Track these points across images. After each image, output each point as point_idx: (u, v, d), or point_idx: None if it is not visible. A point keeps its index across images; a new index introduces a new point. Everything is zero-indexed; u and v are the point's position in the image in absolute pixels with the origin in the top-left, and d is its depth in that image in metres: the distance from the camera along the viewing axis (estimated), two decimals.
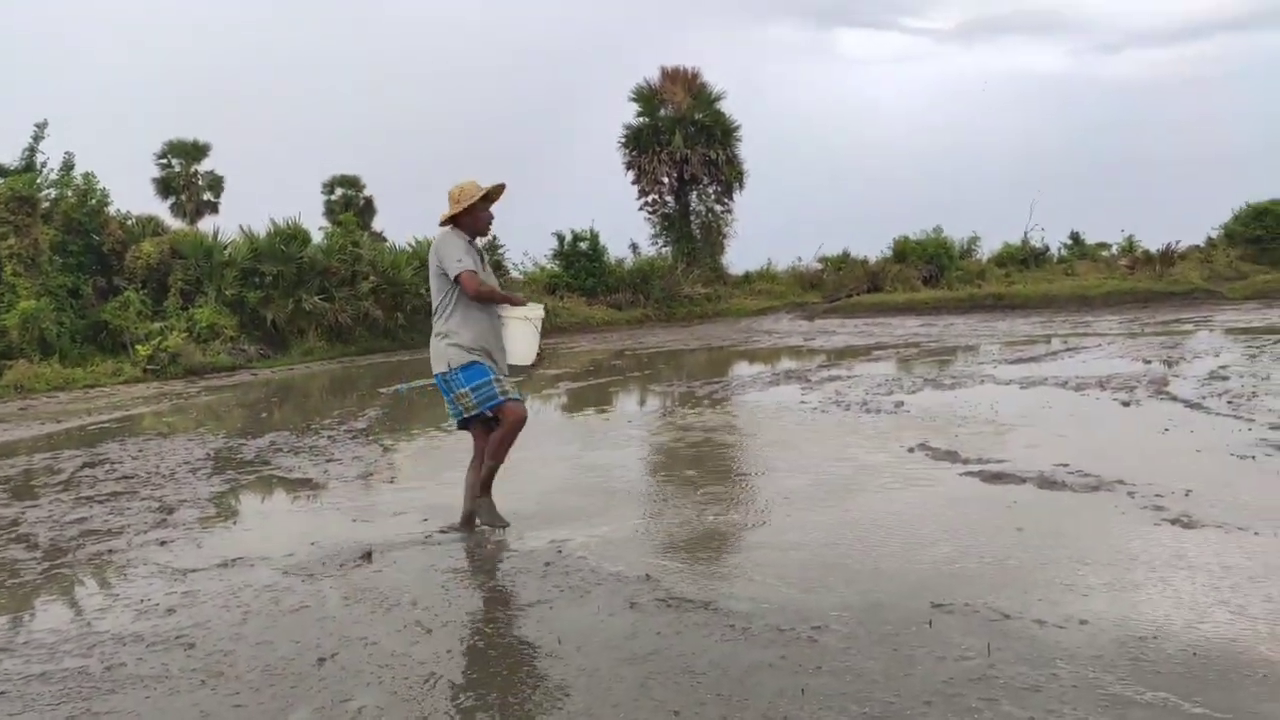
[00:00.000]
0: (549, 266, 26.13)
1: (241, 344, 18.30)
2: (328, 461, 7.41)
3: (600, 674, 3.12)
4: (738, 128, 28.48)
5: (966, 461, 5.95)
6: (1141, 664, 2.95)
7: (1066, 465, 5.63)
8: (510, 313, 4.81)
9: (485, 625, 3.67)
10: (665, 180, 28.30)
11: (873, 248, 29.16)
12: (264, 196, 37.53)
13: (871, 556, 4.22)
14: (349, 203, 34.62)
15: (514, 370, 4.93)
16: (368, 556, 4.58)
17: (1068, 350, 12.72)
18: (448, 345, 4.70)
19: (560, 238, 26.05)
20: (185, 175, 33.92)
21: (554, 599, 3.92)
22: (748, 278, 29.35)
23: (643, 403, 10.75)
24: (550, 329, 17.60)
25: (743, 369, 13.41)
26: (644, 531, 4.86)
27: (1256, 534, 4.19)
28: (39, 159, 18.64)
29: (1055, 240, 29.32)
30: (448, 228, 4.79)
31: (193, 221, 30.51)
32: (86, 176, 19.26)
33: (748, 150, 28.81)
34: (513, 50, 76.41)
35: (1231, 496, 4.81)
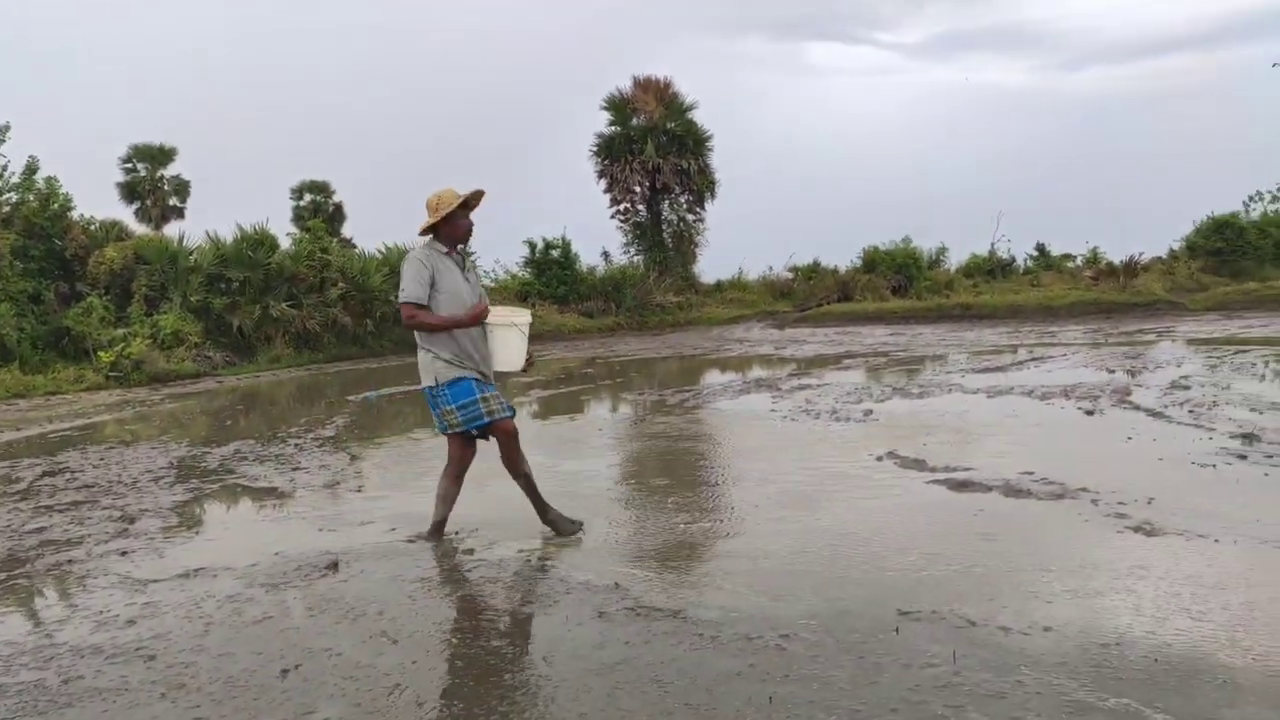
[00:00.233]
0: (520, 274, 26.05)
1: (206, 351, 18.04)
2: (294, 470, 7.32)
3: (567, 684, 3.10)
4: (709, 137, 28.62)
5: (934, 470, 6.00)
6: (1104, 670, 2.99)
7: (1031, 473, 5.69)
8: (496, 319, 4.79)
9: (452, 635, 3.64)
10: (637, 189, 28.34)
11: (843, 257, 29.38)
12: (232, 202, 37.14)
13: (840, 564, 4.24)
14: (318, 209, 34.29)
15: (500, 376, 4.90)
16: (333, 566, 4.52)
17: (1033, 360, 12.88)
18: (434, 359, 4.64)
19: (532, 245, 25.99)
20: (151, 180, 33.50)
21: (522, 608, 3.90)
22: (719, 286, 29.45)
23: (614, 411, 10.74)
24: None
25: (714, 377, 13.44)
26: (613, 540, 4.85)
27: (1217, 541, 4.25)
28: (0, 162, 18.32)
29: (1021, 251, 29.71)
30: (426, 238, 4.76)
31: (158, 227, 30.15)
32: (49, 180, 18.93)
33: (719, 160, 28.96)
34: (484, 59, 76.30)
35: (1193, 504, 4.89)
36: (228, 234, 20.42)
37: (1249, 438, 6.42)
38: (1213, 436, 6.57)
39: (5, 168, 18.40)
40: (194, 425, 11.00)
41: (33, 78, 55.54)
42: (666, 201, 28.80)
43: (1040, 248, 29.92)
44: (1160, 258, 26.34)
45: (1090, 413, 7.98)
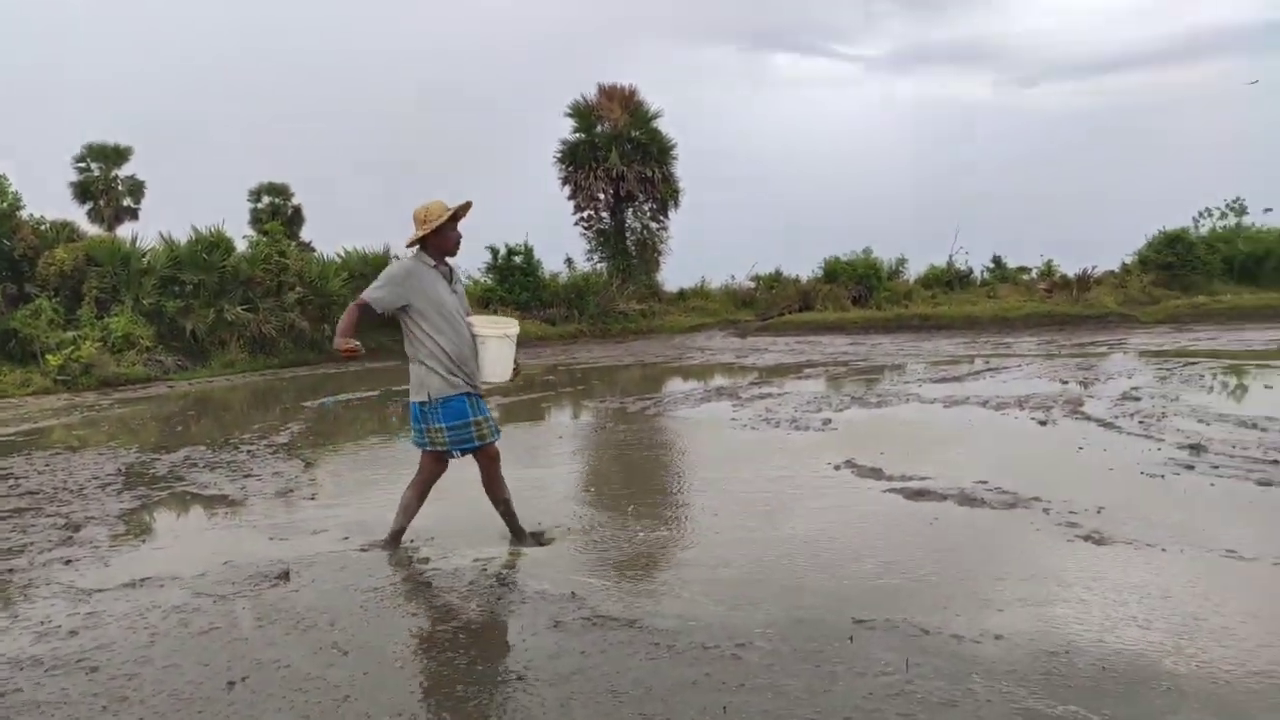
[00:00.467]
0: (483, 280, 25.90)
1: (158, 355, 17.70)
2: (245, 477, 7.19)
3: (521, 695, 3.07)
4: (674, 146, 28.67)
5: (891, 479, 6.05)
6: (1053, 678, 3.02)
7: (986, 482, 5.76)
8: (488, 330, 4.74)
9: (404, 647, 3.59)
10: (601, 196, 28.31)
11: (804, 267, 29.55)
12: (188, 203, 36.53)
13: (797, 573, 4.26)
14: (276, 211, 33.77)
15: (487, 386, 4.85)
16: (284, 575, 4.44)
17: (989, 370, 13.07)
18: (428, 373, 4.55)
19: (494, 251, 25.85)
20: (104, 180, 32.78)
21: (476, 619, 3.86)
22: (682, 295, 29.51)
23: (575, 418, 10.70)
24: None
25: (675, 385, 13.46)
26: (571, 549, 4.82)
27: (1164, 550, 4.33)
28: None
29: (978, 263, 30.06)
30: (413, 250, 4.71)
31: (111, 228, 29.51)
32: None
33: (683, 169, 29.02)
34: (448, 63, 75.93)
35: (1141, 514, 4.98)
36: (183, 236, 20.12)
37: (1196, 448, 6.56)
38: (1161, 447, 6.71)
39: None
40: (144, 431, 10.78)
41: None
42: (630, 209, 28.81)
43: (997, 260, 30.35)
44: (1113, 271, 26.84)
45: (1043, 423, 8.10)
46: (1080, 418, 8.25)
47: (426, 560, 4.68)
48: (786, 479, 6.30)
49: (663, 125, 28.60)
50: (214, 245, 19.85)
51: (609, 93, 28.29)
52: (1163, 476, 5.83)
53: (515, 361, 4.84)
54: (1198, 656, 3.16)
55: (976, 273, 29.61)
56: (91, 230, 24.09)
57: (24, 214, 19.10)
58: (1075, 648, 3.26)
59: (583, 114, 28.33)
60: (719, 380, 13.71)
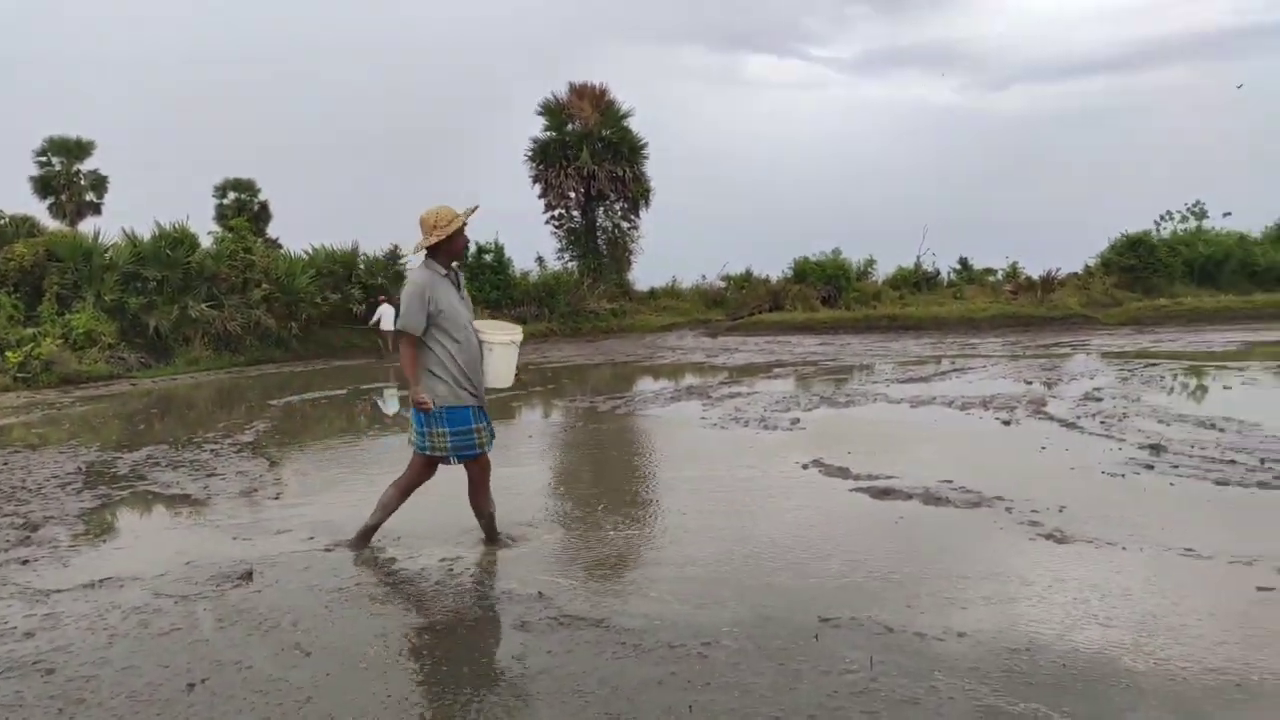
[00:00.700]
0: None
1: (121, 352, 17.41)
2: (208, 476, 7.09)
3: (486, 696, 3.05)
4: (645, 145, 28.70)
5: (857, 478, 6.09)
6: (1015, 675, 3.06)
7: (950, 481, 5.82)
8: (495, 336, 4.71)
9: (368, 647, 3.55)
10: (572, 195, 28.28)
11: (774, 267, 29.76)
12: (152, 198, 35.84)
13: (764, 571, 4.27)
14: (242, 207, 33.41)
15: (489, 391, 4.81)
16: (247, 576, 4.39)
17: (955, 370, 13.21)
18: (436, 381, 4.52)
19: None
20: (66, 174, 32.27)
21: (442, 619, 3.83)
22: (653, 294, 29.56)
23: (545, 417, 10.67)
24: None
25: (646, 385, 13.46)
26: (538, 549, 4.80)
27: (1124, 549, 4.40)
28: None
29: (945, 265, 30.44)
30: (421, 257, 4.66)
31: (73, 223, 29.04)
32: None
33: (654, 168, 29.06)
34: (418, 60, 75.44)
35: (1102, 513, 5.05)
36: (146, 232, 19.82)
37: (1156, 448, 6.67)
38: (1122, 447, 6.81)
39: None
40: (105, 429, 10.60)
41: None
42: (601, 208, 28.80)
43: (963, 261, 30.73)
44: (1076, 273, 27.25)
45: (1007, 423, 8.20)
46: (1043, 418, 8.36)
47: (393, 560, 4.65)
48: (755, 478, 6.32)
49: (634, 125, 28.66)
50: (178, 241, 19.59)
51: (580, 91, 28.26)
52: (1123, 476, 5.92)
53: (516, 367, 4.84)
54: (1156, 654, 3.21)
55: (943, 274, 29.96)
56: (53, 225, 23.72)
57: None
58: (1037, 645, 3.30)
59: (554, 112, 28.27)
60: (689, 380, 13.74)
